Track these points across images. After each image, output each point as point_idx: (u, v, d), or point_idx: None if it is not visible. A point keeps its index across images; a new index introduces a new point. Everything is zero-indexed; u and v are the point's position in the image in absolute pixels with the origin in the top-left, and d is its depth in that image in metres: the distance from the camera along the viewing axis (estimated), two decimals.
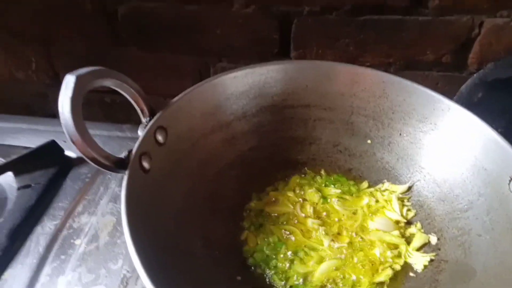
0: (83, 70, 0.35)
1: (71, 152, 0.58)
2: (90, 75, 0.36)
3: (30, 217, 0.49)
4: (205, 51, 0.69)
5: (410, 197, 0.49)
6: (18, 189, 0.52)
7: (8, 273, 0.44)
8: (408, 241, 0.45)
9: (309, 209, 0.47)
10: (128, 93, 0.40)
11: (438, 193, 0.46)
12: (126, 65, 0.71)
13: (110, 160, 0.36)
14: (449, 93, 0.51)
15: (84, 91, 0.35)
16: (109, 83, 0.38)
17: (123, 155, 0.38)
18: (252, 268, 0.43)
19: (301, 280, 0.42)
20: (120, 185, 0.55)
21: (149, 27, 0.67)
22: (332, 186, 0.50)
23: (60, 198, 0.52)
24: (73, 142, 0.34)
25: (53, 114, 0.71)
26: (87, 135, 0.34)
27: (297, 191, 0.50)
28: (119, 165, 0.36)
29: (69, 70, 0.35)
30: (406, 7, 0.59)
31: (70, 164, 0.56)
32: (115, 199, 0.52)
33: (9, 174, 0.55)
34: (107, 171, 0.36)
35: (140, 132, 0.41)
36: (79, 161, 0.57)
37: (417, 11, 0.59)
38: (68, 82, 0.34)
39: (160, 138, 0.41)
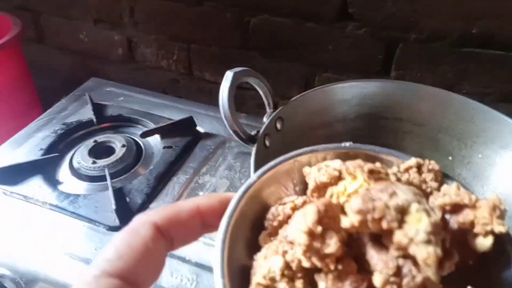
0: (237, 69, 0.50)
1: (201, 128, 0.74)
2: (242, 72, 0.50)
3: (170, 169, 0.66)
4: (314, 62, 0.81)
5: None
6: (163, 148, 0.69)
7: (153, 205, 0.61)
8: None
9: None
10: (262, 89, 0.54)
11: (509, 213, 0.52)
12: (249, 67, 0.86)
13: (245, 135, 0.50)
14: None
15: (237, 83, 0.49)
16: (251, 80, 0.53)
17: (252, 133, 0.51)
18: None
19: None
20: (234, 159, 0.70)
21: (272, 37, 0.81)
22: None
23: (191, 160, 0.69)
24: (226, 118, 0.48)
25: (180, 96, 0.88)
26: (235, 115, 0.49)
27: None
28: (250, 139, 0.50)
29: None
30: None
31: (199, 137, 0.73)
32: (230, 168, 0.67)
33: (157, 136, 0.73)
34: (240, 142, 0.50)
35: (265, 119, 0.54)
36: (206, 136, 0.73)
37: None
38: (228, 76, 0.49)
39: (278, 125, 0.54)
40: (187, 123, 0.72)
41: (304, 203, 0.24)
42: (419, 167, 0.23)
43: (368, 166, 0.23)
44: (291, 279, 0.21)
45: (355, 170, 0.23)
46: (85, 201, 0.60)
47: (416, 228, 0.19)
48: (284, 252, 0.22)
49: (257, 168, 0.46)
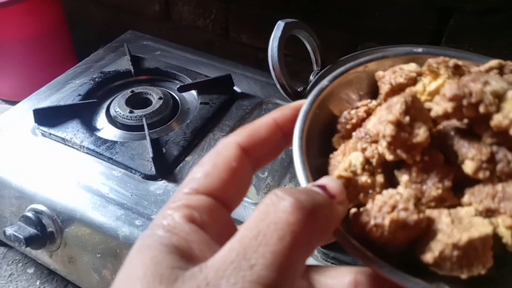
0: (288, 20, 0.48)
1: (238, 88, 0.73)
2: (293, 23, 0.48)
3: (206, 125, 0.65)
4: (358, 30, 0.78)
5: None
6: (200, 104, 0.68)
7: (189, 158, 0.61)
8: None
9: None
10: (311, 45, 0.52)
11: None
12: None
13: (292, 89, 0.48)
14: None
15: (287, 34, 0.47)
16: (301, 33, 0.50)
17: (299, 89, 0.50)
18: None
19: None
20: None
21: (317, 2, 0.78)
22: None
23: (227, 118, 0.68)
24: (273, 69, 0.47)
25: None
26: (283, 67, 0.47)
27: None
28: (296, 95, 0.49)
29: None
30: None
31: (236, 96, 0.72)
32: None
33: (194, 92, 0.72)
34: (286, 96, 0.49)
35: (312, 77, 0.52)
36: (242, 96, 0.72)
37: None
38: (279, 25, 0.47)
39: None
40: (225, 81, 0.71)
41: (379, 106, 0.24)
42: (501, 68, 0.22)
43: (454, 61, 0.22)
44: (372, 174, 0.21)
45: (438, 66, 0.22)
46: (121, 148, 0.60)
47: None
48: (363, 149, 0.22)
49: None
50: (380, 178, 0.21)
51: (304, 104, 0.23)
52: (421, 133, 0.20)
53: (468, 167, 0.19)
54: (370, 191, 0.21)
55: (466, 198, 0.20)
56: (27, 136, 0.65)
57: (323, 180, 0.19)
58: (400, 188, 0.21)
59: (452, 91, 0.19)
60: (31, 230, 0.55)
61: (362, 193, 0.21)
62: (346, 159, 0.22)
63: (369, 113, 0.23)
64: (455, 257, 0.18)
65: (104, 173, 0.58)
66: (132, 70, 0.74)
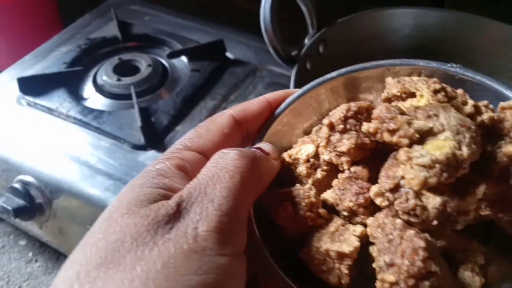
0: None
1: (231, 54, 0.70)
2: None
3: (197, 93, 0.63)
4: None
5: None
6: (191, 71, 0.66)
7: (179, 127, 0.59)
8: None
9: None
10: (306, 6, 0.49)
11: None
12: None
13: (285, 53, 0.46)
14: None
15: None
16: None
17: (293, 53, 0.47)
18: None
19: None
20: (265, 88, 0.66)
21: None
22: None
23: (219, 86, 0.65)
24: (266, 31, 0.44)
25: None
26: (276, 29, 0.44)
27: None
28: (290, 60, 0.46)
29: None
30: None
31: (228, 63, 0.69)
32: None
33: (184, 59, 0.69)
34: (280, 61, 0.46)
35: (307, 41, 0.49)
36: (235, 63, 0.69)
37: None
38: None
39: (321, 48, 0.50)
40: (217, 47, 0.68)
41: (369, 107, 0.23)
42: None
43: (435, 86, 0.22)
44: (314, 168, 0.23)
45: (422, 86, 0.22)
46: (109, 117, 0.58)
47: (426, 152, 0.18)
48: (319, 144, 0.23)
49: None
50: (318, 175, 0.23)
51: (303, 88, 0.24)
52: (346, 143, 0.21)
53: (372, 190, 0.20)
54: (304, 180, 0.23)
55: (370, 219, 0.21)
56: (12, 106, 0.62)
57: (259, 144, 0.23)
58: (328, 191, 0.22)
59: (378, 112, 0.20)
60: (19, 202, 0.53)
61: (297, 180, 0.23)
62: (300, 146, 0.24)
63: (358, 112, 0.23)
64: (317, 260, 0.20)
65: (92, 143, 0.56)
66: (120, 37, 0.71)
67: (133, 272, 0.16)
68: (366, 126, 0.20)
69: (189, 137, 0.22)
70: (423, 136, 0.19)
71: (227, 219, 0.18)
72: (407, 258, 0.17)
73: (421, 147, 0.19)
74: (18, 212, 0.53)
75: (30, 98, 0.61)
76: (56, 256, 0.67)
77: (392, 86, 0.23)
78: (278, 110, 0.24)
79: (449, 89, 0.22)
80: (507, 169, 0.19)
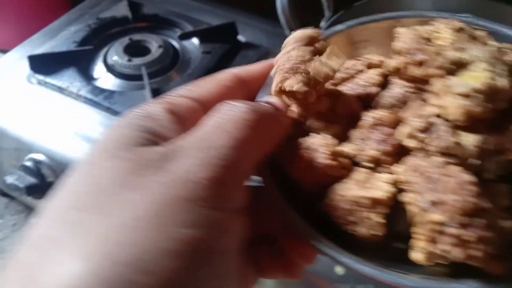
0: None
1: (242, 37, 0.69)
2: None
3: (208, 75, 0.62)
4: None
5: None
6: (202, 53, 0.65)
7: None
8: None
9: None
10: None
11: None
12: None
13: None
14: None
15: None
16: None
17: None
18: None
19: None
20: None
21: None
22: None
23: (231, 68, 0.64)
24: (283, 12, 0.43)
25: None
26: (293, 11, 0.44)
27: None
28: None
29: None
30: None
31: (240, 46, 0.68)
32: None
33: (195, 41, 0.68)
34: None
35: (323, 23, 0.49)
36: (247, 46, 0.68)
37: None
38: None
39: None
40: (229, 29, 0.67)
41: (382, 63, 0.22)
42: None
43: (460, 24, 0.20)
44: (329, 121, 0.21)
45: (443, 27, 0.21)
46: (120, 97, 0.58)
47: (466, 82, 0.17)
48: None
49: None
50: (335, 128, 0.21)
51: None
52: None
53: (402, 132, 0.18)
54: (316, 134, 0.21)
55: (400, 167, 0.19)
56: (22, 85, 0.62)
57: (267, 98, 0.21)
58: (345, 143, 0.21)
59: (403, 43, 0.18)
60: (31, 179, 0.54)
61: (309, 134, 0.21)
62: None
63: (369, 67, 0.23)
64: (341, 210, 0.18)
65: (102, 123, 0.56)
66: (130, 16, 0.70)
67: (119, 218, 0.15)
68: (391, 62, 0.19)
69: (187, 87, 0.21)
70: (455, 68, 0.17)
71: (228, 171, 0.16)
72: (458, 194, 0.15)
73: (459, 77, 0.17)
74: (30, 189, 0.53)
75: (40, 77, 0.61)
76: None
77: (406, 34, 0.21)
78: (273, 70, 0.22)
79: (470, 28, 0.20)
80: None
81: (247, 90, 0.22)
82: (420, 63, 0.18)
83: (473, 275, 0.16)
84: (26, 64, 0.62)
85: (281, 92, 0.20)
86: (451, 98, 0.16)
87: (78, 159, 0.53)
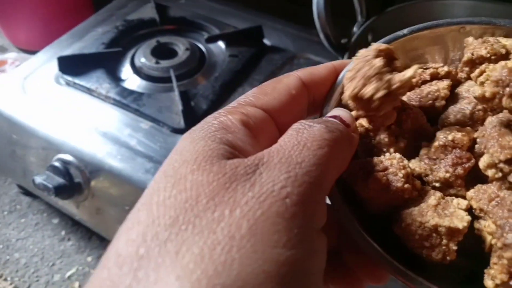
0: None
1: (268, 41, 0.69)
2: None
3: (235, 79, 0.62)
4: None
5: None
6: (229, 56, 0.65)
7: None
8: None
9: None
10: None
11: None
12: None
13: (336, 40, 0.45)
14: None
15: None
16: None
17: (343, 41, 0.46)
18: None
19: None
20: None
21: None
22: None
23: (256, 72, 0.64)
24: (318, 17, 0.43)
25: None
26: (329, 15, 0.43)
27: None
28: (340, 48, 0.45)
29: None
30: None
31: (266, 50, 0.68)
32: None
33: (221, 45, 0.68)
34: (329, 47, 0.45)
35: (356, 29, 0.48)
36: (273, 49, 0.68)
37: None
38: None
39: (370, 37, 0.49)
40: (255, 33, 0.67)
41: (449, 73, 0.22)
42: None
43: None
44: (395, 136, 0.21)
45: None
46: (148, 100, 0.58)
47: None
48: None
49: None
50: (401, 143, 0.21)
51: (372, 47, 0.21)
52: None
53: (483, 160, 0.19)
54: (384, 149, 0.21)
55: (470, 192, 0.19)
56: (51, 85, 0.63)
57: (336, 112, 0.20)
58: (413, 161, 0.20)
59: (498, 75, 0.18)
60: (59, 180, 0.54)
61: (375, 148, 0.21)
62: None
63: (435, 77, 0.22)
64: (418, 235, 0.18)
65: (131, 125, 0.56)
66: (157, 19, 0.70)
67: (212, 236, 0.14)
68: (480, 91, 0.18)
69: (253, 94, 0.20)
70: None
71: (314, 188, 0.16)
72: None
73: None
74: (58, 190, 0.53)
75: (69, 78, 0.61)
76: (89, 235, 0.68)
77: (479, 46, 0.21)
78: (340, 76, 0.22)
79: None
80: None
81: (312, 95, 0.21)
82: None
83: None
84: (54, 65, 0.62)
85: (358, 98, 0.20)
86: None
87: (109, 163, 0.52)
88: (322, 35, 0.44)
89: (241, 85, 0.62)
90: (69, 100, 0.60)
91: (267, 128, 0.19)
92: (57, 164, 0.55)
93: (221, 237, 0.14)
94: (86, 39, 0.69)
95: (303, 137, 0.17)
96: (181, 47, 0.65)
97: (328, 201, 0.19)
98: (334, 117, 0.20)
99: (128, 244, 0.14)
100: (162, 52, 0.65)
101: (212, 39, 0.67)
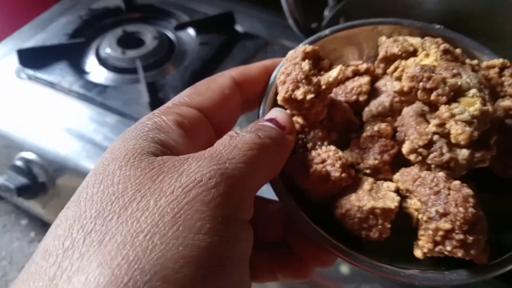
0: None
1: (240, 27, 0.67)
2: None
3: (206, 67, 0.60)
4: None
5: None
6: (199, 44, 0.62)
7: None
8: None
9: None
10: None
11: None
12: None
13: (305, 25, 0.43)
14: None
15: None
16: None
17: (313, 25, 0.44)
18: None
19: None
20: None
21: None
22: None
23: (228, 60, 0.62)
24: (286, 1, 0.41)
25: None
26: (297, 0, 0.41)
27: None
28: (309, 33, 0.43)
29: None
30: None
31: (238, 36, 0.65)
32: None
33: (191, 32, 0.66)
34: (298, 33, 0.43)
35: (327, 12, 0.46)
36: (245, 36, 0.66)
37: None
38: None
39: (341, 21, 0.47)
40: (226, 19, 0.64)
41: (367, 70, 0.24)
42: (502, 69, 0.22)
43: (445, 45, 0.22)
44: (327, 129, 0.22)
45: (430, 46, 0.22)
46: (114, 92, 0.55)
47: (464, 108, 0.19)
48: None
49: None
50: (333, 136, 0.22)
51: (297, 48, 0.23)
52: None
53: (405, 147, 0.20)
54: (319, 143, 0.22)
55: (396, 175, 0.21)
56: (11, 79, 0.59)
57: (273, 113, 0.21)
58: (345, 151, 0.22)
59: (413, 71, 0.20)
60: (22, 180, 0.51)
61: (311, 142, 0.22)
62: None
63: (356, 73, 0.24)
64: (357, 218, 0.20)
65: (96, 120, 0.54)
66: (123, 7, 0.67)
67: (135, 225, 0.14)
68: (399, 86, 0.20)
69: (187, 94, 0.21)
70: (454, 94, 0.20)
71: (243, 183, 0.17)
72: (461, 206, 0.18)
73: (457, 104, 0.19)
74: (21, 190, 0.51)
75: (30, 71, 0.58)
76: None
77: (391, 45, 0.23)
78: (272, 77, 0.24)
79: (451, 49, 0.22)
80: (503, 122, 0.21)
81: (246, 94, 0.22)
82: (429, 90, 0.20)
83: (461, 266, 0.19)
84: (15, 58, 0.59)
85: (290, 100, 0.21)
86: (455, 124, 0.19)
87: (74, 161, 0.50)
88: (290, 20, 0.42)
89: (212, 74, 0.60)
90: (31, 95, 0.57)
91: (202, 127, 0.20)
92: (19, 163, 0.52)
93: (145, 225, 0.14)
94: (49, 30, 0.65)
95: (235, 141, 0.18)
96: (148, 36, 0.62)
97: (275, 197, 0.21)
98: (270, 120, 0.20)
99: (55, 239, 0.15)
100: (128, 41, 0.62)
101: (181, 27, 0.65)
